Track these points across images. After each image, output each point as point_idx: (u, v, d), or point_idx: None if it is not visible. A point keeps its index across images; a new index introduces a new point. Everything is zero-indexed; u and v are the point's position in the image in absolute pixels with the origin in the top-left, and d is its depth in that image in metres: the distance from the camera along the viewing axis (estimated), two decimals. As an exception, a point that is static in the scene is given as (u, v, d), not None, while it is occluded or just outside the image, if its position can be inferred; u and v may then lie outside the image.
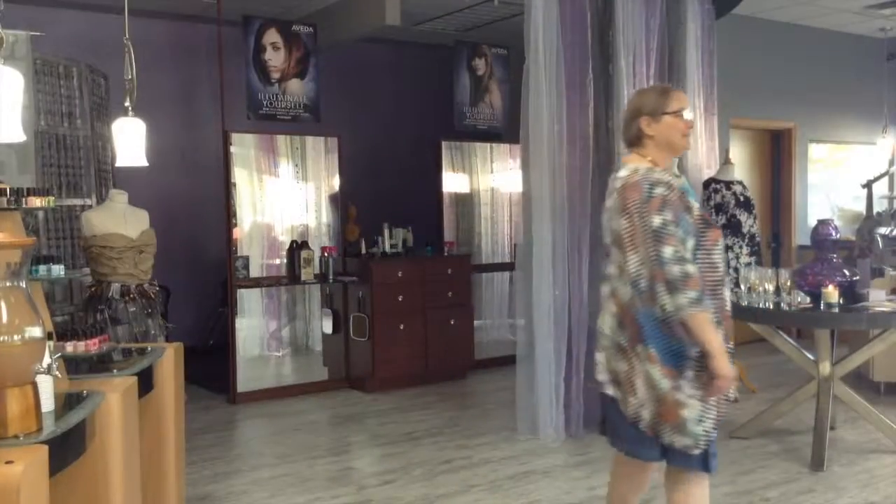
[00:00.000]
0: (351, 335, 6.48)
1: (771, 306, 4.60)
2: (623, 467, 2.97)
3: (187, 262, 7.51)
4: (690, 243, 2.62)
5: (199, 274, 7.59)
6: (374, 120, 8.24)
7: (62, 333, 2.85)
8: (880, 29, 8.65)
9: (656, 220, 2.57)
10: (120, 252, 4.23)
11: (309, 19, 6.83)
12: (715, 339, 2.56)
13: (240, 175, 6.26)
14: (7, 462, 1.75)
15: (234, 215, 6.15)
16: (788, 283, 4.67)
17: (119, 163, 3.82)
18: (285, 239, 6.44)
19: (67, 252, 4.94)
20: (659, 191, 2.61)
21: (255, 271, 6.25)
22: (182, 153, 7.52)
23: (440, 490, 4.17)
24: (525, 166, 5.09)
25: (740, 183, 6.06)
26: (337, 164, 6.61)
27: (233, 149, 6.13)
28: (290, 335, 6.63)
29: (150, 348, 3.32)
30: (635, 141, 2.82)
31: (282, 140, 6.48)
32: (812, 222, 8.06)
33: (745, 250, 5.89)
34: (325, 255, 6.41)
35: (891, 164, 8.76)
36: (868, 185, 8.37)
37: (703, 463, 2.69)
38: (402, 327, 6.42)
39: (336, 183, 6.64)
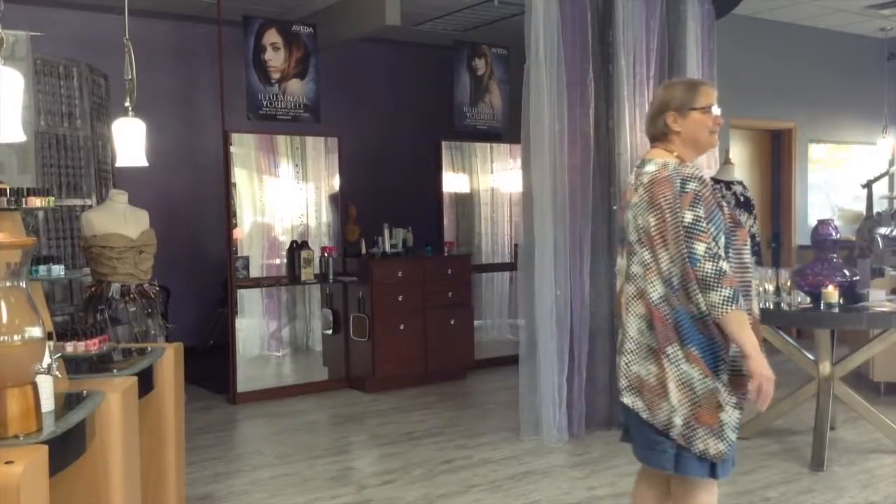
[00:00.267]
0: (351, 335, 6.48)
1: (771, 306, 4.59)
2: (647, 471, 2.81)
3: (187, 263, 7.51)
4: (722, 241, 2.54)
5: (200, 274, 7.60)
6: (374, 120, 8.24)
7: (62, 333, 2.85)
8: (880, 29, 8.65)
9: (688, 217, 2.48)
10: (120, 252, 4.23)
11: (309, 19, 6.84)
12: (751, 339, 2.46)
13: (240, 175, 6.26)
14: (7, 462, 1.75)
15: (235, 215, 6.15)
16: (788, 283, 4.67)
17: (119, 163, 3.82)
18: (285, 239, 6.44)
19: (67, 252, 4.94)
20: (691, 186, 2.53)
21: (255, 271, 6.26)
22: (182, 153, 7.52)
23: (440, 490, 4.17)
24: (526, 166, 5.09)
25: (740, 183, 6.06)
26: (337, 164, 6.61)
27: (233, 149, 6.13)
28: (290, 335, 6.63)
29: (150, 348, 3.32)
30: (661, 136, 2.72)
31: (282, 140, 6.48)
32: (812, 222, 8.06)
33: (746, 250, 5.88)
34: (325, 255, 6.41)
35: (891, 164, 8.77)
36: (868, 186, 8.38)
37: (713, 472, 2.58)
38: (402, 327, 6.42)
39: (336, 183, 6.64)
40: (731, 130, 7.76)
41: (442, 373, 6.66)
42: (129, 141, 3.74)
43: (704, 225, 2.48)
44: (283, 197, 6.48)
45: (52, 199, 2.62)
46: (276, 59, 6.38)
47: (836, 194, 9.08)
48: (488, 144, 7.58)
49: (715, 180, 5.96)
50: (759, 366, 2.46)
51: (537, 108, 4.97)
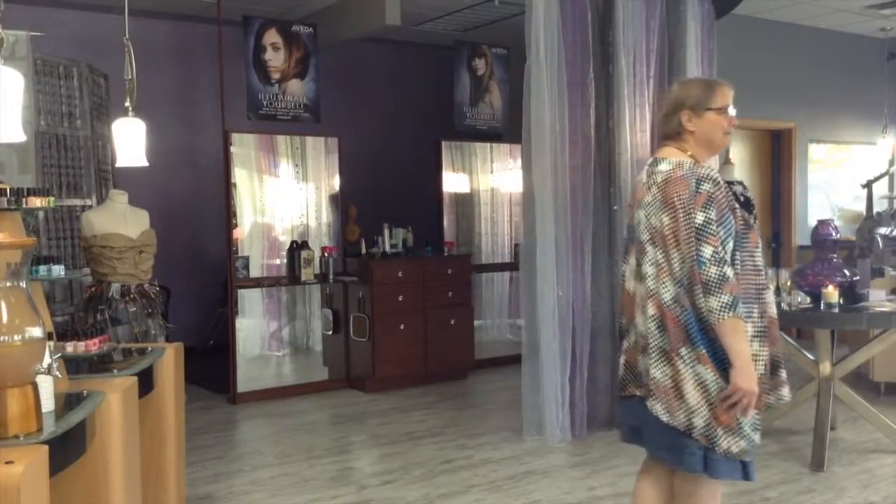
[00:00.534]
0: (351, 335, 6.48)
1: (771, 306, 4.59)
2: (652, 471, 2.80)
3: (188, 263, 7.52)
4: (730, 246, 2.52)
5: (200, 274, 7.60)
6: (374, 120, 8.24)
7: (62, 333, 2.85)
8: (880, 29, 8.65)
9: (700, 218, 2.46)
10: (120, 252, 4.23)
11: (309, 19, 6.84)
12: (744, 349, 2.44)
13: (240, 175, 6.26)
14: (7, 462, 1.75)
15: (235, 215, 6.15)
16: (788, 283, 4.67)
17: (119, 163, 3.82)
18: (285, 239, 6.44)
19: (67, 252, 4.94)
20: (706, 187, 2.50)
21: (255, 271, 6.26)
22: (182, 153, 7.52)
23: (440, 490, 4.17)
24: (527, 166, 5.09)
25: (740, 183, 6.04)
26: (337, 164, 6.61)
27: (233, 149, 6.13)
28: (290, 335, 6.63)
29: (150, 348, 3.32)
30: (674, 135, 2.68)
31: (282, 140, 6.48)
32: (812, 222, 8.06)
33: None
34: (326, 255, 6.41)
35: (891, 164, 8.77)
36: (868, 185, 8.38)
37: (745, 472, 2.57)
38: (402, 327, 6.42)
39: (336, 183, 6.64)
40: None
41: (442, 373, 6.66)
42: (130, 141, 3.74)
43: (715, 228, 2.47)
44: (284, 197, 6.48)
45: (52, 199, 2.62)
46: (276, 59, 6.38)
47: (836, 194, 9.08)
48: (488, 144, 7.58)
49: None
50: (746, 380, 2.43)
51: (538, 108, 4.97)
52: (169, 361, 3.25)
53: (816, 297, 4.54)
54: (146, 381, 2.94)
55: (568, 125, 5.05)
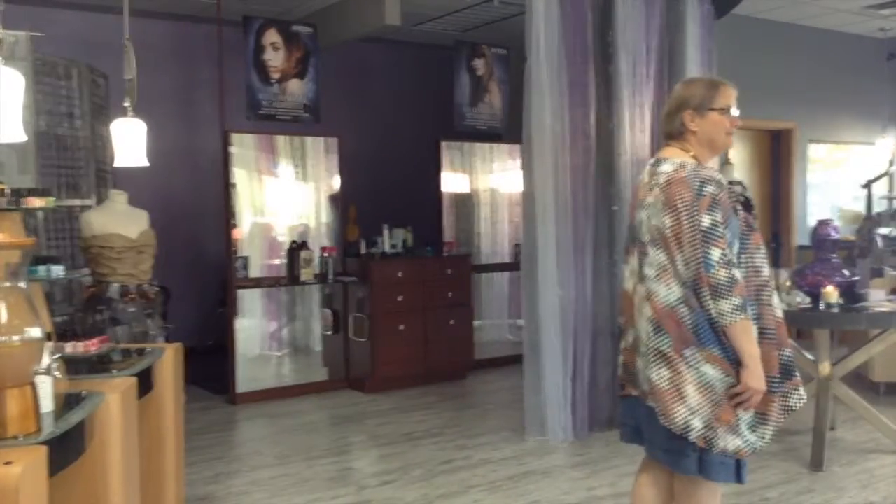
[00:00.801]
0: (350, 335, 6.48)
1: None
2: (651, 471, 2.80)
3: (187, 263, 7.51)
4: (736, 247, 2.52)
5: (199, 274, 7.60)
6: (373, 120, 8.24)
7: (62, 334, 2.85)
8: (880, 29, 8.65)
9: (706, 221, 2.45)
10: (119, 252, 4.22)
11: (309, 19, 6.84)
12: (755, 350, 2.46)
13: (239, 175, 6.25)
14: (6, 463, 1.75)
15: (234, 215, 6.15)
16: (788, 283, 4.68)
17: (118, 163, 3.82)
18: (285, 239, 6.44)
19: (67, 252, 4.93)
20: (710, 189, 2.49)
21: (254, 272, 6.25)
22: (182, 153, 7.52)
23: (439, 490, 4.17)
24: (527, 166, 5.09)
25: (740, 183, 6.05)
26: (337, 164, 6.61)
27: (232, 149, 6.13)
28: (289, 335, 6.63)
29: (149, 349, 3.32)
30: (676, 135, 2.67)
31: (282, 140, 6.47)
32: (812, 222, 8.05)
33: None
34: (325, 255, 6.40)
35: (890, 164, 8.78)
36: (868, 186, 8.38)
37: (738, 474, 2.57)
38: (401, 328, 6.42)
39: (336, 183, 6.64)
40: (730, 130, 7.75)
41: (441, 373, 6.66)
42: (129, 141, 3.74)
43: (721, 230, 2.46)
44: (283, 197, 6.48)
45: (51, 199, 2.62)
46: (275, 59, 6.38)
47: (835, 194, 9.08)
48: (488, 144, 7.58)
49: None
50: (755, 379, 2.46)
51: (538, 108, 4.97)
52: (168, 362, 3.24)
53: (816, 297, 4.55)
54: (145, 382, 2.94)
55: (568, 125, 5.05)
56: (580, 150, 5.11)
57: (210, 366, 6.47)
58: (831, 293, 4.48)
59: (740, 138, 8.25)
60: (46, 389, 2.10)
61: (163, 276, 4.91)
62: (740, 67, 7.32)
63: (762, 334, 2.54)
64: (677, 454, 2.57)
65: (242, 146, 6.27)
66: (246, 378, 6.15)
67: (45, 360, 2.06)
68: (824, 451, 4.44)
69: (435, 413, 5.75)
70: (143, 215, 4.49)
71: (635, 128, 5.27)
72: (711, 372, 2.49)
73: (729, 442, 2.50)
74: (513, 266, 7.32)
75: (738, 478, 2.59)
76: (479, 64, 7.59)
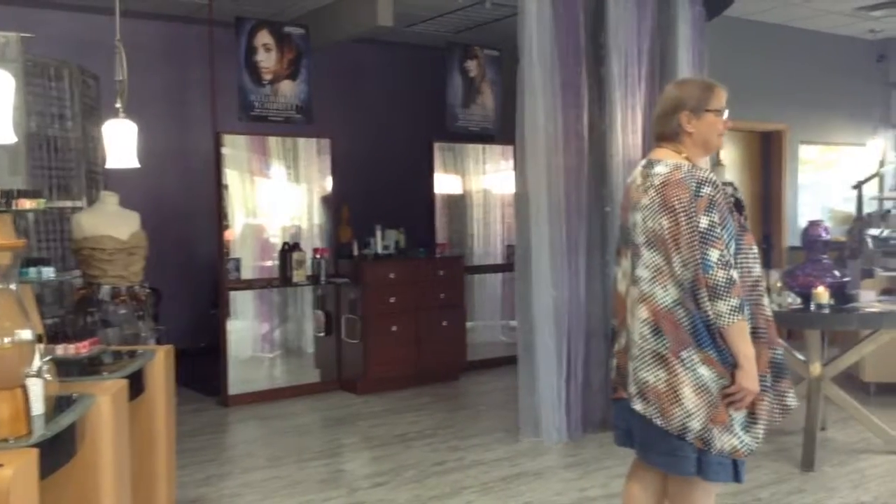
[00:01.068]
0: (343, 337, 6.47)
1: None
2: (641, 474, 2.80)
3: (179, 264, 7.49)
4: (732, 247, 2.52)
5: (191, 276, 7.58)
6: (366, 121, 8.24)
7: (52, 336, 2.85)
8: (870, 31, 8.69)
9: (704, 222, 2.46)
10: (110, 254, 4.21)
11: (301, 20, 6.83)
12: (749, 351, 2.47)
13: (231, 176, 6.23)
14: (-3, 466, 1.74)
15: (226, 217, 6.13)
16: (779, 284, 4.69)
17: (109, 164, 3.81)
18: (277, 240, 6.43)
19: (58, 254, 4.91)
20: (706, 190, 2.49)
21: (246, 273, 6.24)
22: (173, 155, 7.50)
23: (432, 492, 4.17)
24: (521, 167, 5.10)
25: (731, 184, 6.07)
26: (329, 165, 6.60)
27: (224, 150, 6.11)
28: (281, 337, 6.61)
29: (140, 351, 3.31)
30: (671, 136, 2.66)
31: (274, 141, 6.46)
32: (802, 223, 8.07)
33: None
34: (317, 256, 6.40)
35: (881, 165, 8.82)
36: (858, 187, 8.42)
37: (735, 473, 2.58)
38: (394, 329, 6.41)
39: (328, 184, 6.63)
40: (722, 132, 7.77)
41: (434, 374, 6.66)
42: (120, 142, 3.73)
43: (719, 231, 2.47)
44: (275, 198, 6.46)
45: (42, 200, 2.61)
46: (267, 60, 6.37)
47: (826, 195, 9.12)
48: (480, 146, 7.59)
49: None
50: (749, 380, 2.48)
51: (531, 109, 4.98)
52: (159, 364, 3.24)
53: (807, 297, 4.57)
54: (137, 384, 2.93)
55: (561, 126, 5.06)
56: (573, 151, 5.12)
57: (202, 368, 6.45)
58: (822, 294, 4.49)
59: (731, 139, 8.27)
60: (37, 392, 2.09)
61: (154, 278, 4.90)
62: (731, 69, 7.35)
63: (754, 334, 2.55)
64: (675, 456, 2.57)
65: (234, 147, 6.25)
66: (238, 380, 6.13)
67: (36, 362, 2.05)
68: (815, 451, 4.45)
69: (427, 414, 5.75)
70: (134, 217, 4.48)
71: (627, 129, 5.28)
72: (707, 373, 2.49)
73: (725, 442, 2.51)
74: (505, 267, 7.32)
75: (737, 477, 2.60)
76: (471, 65, 7.60)
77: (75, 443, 2.19)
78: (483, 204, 7.57)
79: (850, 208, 8.72)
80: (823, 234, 4.73)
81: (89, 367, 2.87)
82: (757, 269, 2.61)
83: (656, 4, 5.44)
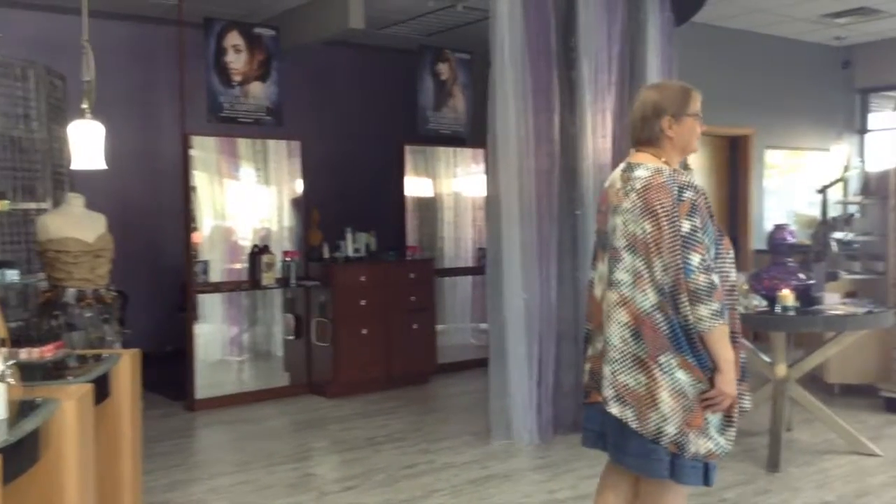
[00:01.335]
0: (313, 340, 6.44)
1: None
2: (613, 477, 2.81)
3: (146, 267, 7.40)
4: (713, 252, 2.53)
5: (158, 279, 7.49)
6: (337, 124, 8.21)
7: (16, 339, 2.80)
8: (835, 37, 8.84)
9: (686, 226, 2.46)
10: (76, 257, 4.15)
11: (272, 22, 6.80)
12: (729, 355, 2.50)
13: (200, 178, 6.18)
14: (-43, 472, 1.72)
15: (194, 219, 6.08)
16: (745, 287, 4.75)
17: (75, 166, 3.76)
18: (246, 243, 6.38)
19: (22, 257, 4.84)
20: (688, 195, 2.50)
21: (215, 276, 6.19)
22: (140, 156, 7.41)
23: (402, 495, 4.17)
24: (492, 170, 5.11)
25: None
26: (299, 167, 6.57)
27: (192, 152, 6.06)
28: (250, 340, 6.56)
29: (106, 355, 3.27)
30: (652, 140, 2.66)
31: (243, 143, 6.41)
32: (768, 227, 8.20)
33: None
34: (287, 259, 6.36)
35: (845, 169, 8.96)
36: (823, 191, 8.55)
37: (706, 477, 2.59)
38: (364, 332, 6.40)
39: (298, 187, 6.60)
40: (690, 136, 7.86)
41: (404, 377, 6.65)
42: (87, 143, 3.68)
43: (700, 235, 2.48)
44: (245, 200, 6.42)
45: (6, 202, 2.58)
46: (237, 61, 6.33)
47: (791, 199, 9.25)
48: (451, 149, 7.60)
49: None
50: (728, 384, 2.50)
51: (503, 112, 5.00)
52: (125, 368, 3.20)
53: (772, 300, 4.63)
54: (102, 388, 2.90)
55: (532, 130, 5.09)
56: (544, 154, 5.15)
57: (168, 372, 6.38)
58: (787, 296, 4.56)
59: (698, 144, 8.36)
60: (0, 396, 2.06)
61: (120, 281, 4.84)
62: (699, 74, 7.39)
63: (731, 338, 2.57)
64: (648, 459, 2.58)
65: (203, 149, 6.20)
66: (205, 384, 6.07)
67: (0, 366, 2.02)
68: (781, 451, 4.51)
69: (398, 417, 5.74)
70: (100, 219, 4.42)
71: (598, 133, 5.32)
72: (684, 378, 2.51)
73: (700, 446, 2.53)
74: (476, 270, 7.34)
75: (707, 480, 2.62)
76: (442, 68, 7.62)
77: (39, 448, 2.16)
78: (454, 207, 7.58)
79: (815, 212, 8.85)
80: (789, 238, 4.82)
81: (54, 371, 2.83)
82: (734, 274, 2.64)
83: (626, 9, 5.49)
